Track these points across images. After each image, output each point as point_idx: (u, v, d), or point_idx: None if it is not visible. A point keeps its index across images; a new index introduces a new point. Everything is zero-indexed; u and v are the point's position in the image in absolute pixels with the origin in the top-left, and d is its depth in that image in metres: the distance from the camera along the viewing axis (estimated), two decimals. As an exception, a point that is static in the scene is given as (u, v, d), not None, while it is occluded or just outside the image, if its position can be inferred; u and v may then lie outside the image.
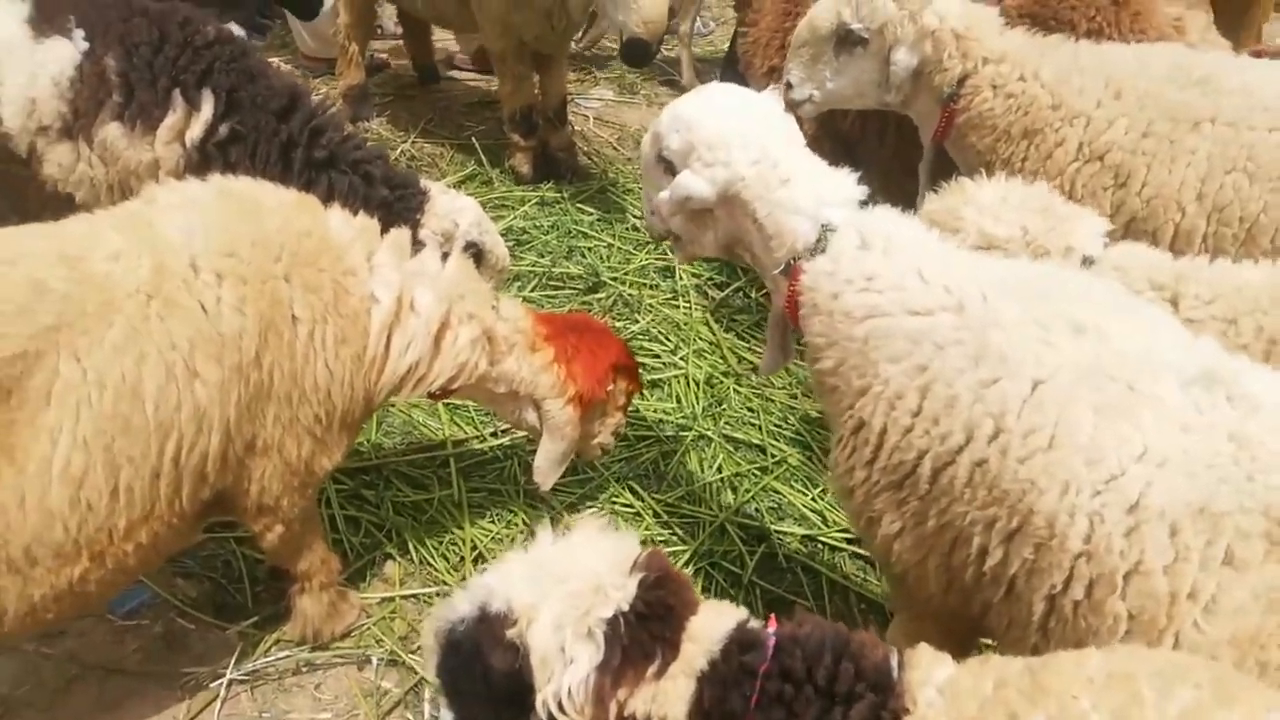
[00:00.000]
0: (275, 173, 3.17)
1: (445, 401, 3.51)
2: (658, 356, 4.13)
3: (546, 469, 2.97)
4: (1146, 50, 3.16)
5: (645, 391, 3.73)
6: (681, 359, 4.10)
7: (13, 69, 3.12)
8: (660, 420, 3.80)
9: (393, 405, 3.65)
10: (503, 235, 4.70)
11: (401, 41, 6.54)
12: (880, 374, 2.07)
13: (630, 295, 4.47)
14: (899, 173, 3.75)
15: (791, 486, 3.55)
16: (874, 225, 2.20)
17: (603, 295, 4.46)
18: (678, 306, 4.44)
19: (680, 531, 3.35)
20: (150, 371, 2.15)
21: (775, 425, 3.82)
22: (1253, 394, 1.79)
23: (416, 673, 2.82)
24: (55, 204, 3.25)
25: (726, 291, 4.56)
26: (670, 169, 2.43)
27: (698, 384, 3.97)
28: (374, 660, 2.86)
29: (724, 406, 3.89)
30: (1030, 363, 1.90)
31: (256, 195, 2.51)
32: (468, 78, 6.59)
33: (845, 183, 2.31)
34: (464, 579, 3.09)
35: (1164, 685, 1.35)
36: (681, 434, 3.73)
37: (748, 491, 3.51)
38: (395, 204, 3.29)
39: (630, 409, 3.24)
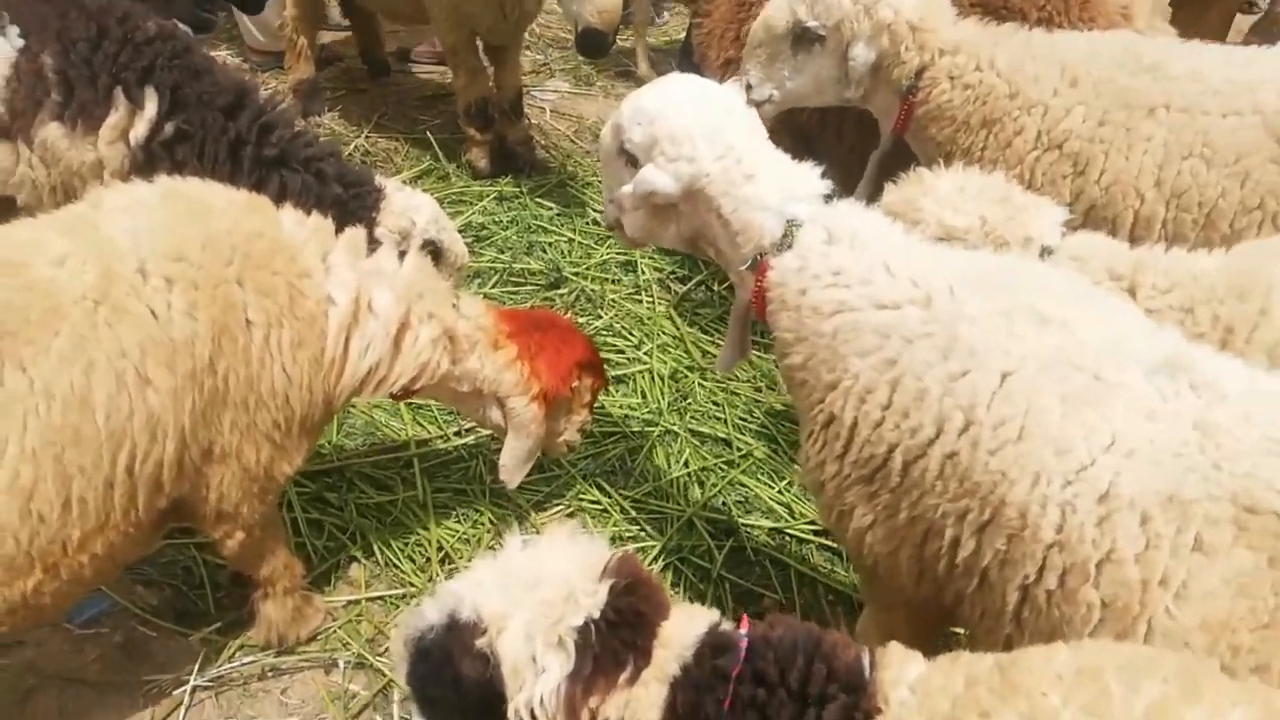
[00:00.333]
0: (224, 172, 3.09)
1: (408, 401, 3.46)
2: (622, 352, 4.10)
3: (512, 467, 2.94)
4: (1097, 38, 3.18)
5: (610, 387, 3.70)
6: (646, 354, 4.08)
7: (-54, 68, 3.01)
8: (626, 416, 3.78)
9: (354, 406, 3.59)
10: (461, 231, 4.64)
11: (351, 33, 6.41)
12: (850, 368, 2.07)
13: (592, 290, 4.43)
14: (857, 166, 3.75)
15: (758, 480, 3.55)
16: (839, 220, 2.19)
17: (565, 291, 4.42)
18: (640, 301, 4.41)
19: (648, 527, 3.33)
20: (100, 380, 2.10)
21: (741, 419, 3.82)
22: (1215, 382, 1.81)
23: (384, 675, 2.79)
24: (-2, 207, 3.15)
25: (689, 285, 4.55)
26: (633, 161, 2.40)
27: (662, 379, 3.95)
28: (341, 663, 2.83)
29: (689, 401, 3.88)
30: (998, 355, 1.91)
31: (206, 196, 2.45)
32: (423, 70, 6.49)
33: (809, 177, 2.30)
34: (430, 580, 3.06)
35: (1132, 680, 1.37)
36: (647, 429, 3.71)
37: (715, 486, 3.50)
38: (350, 202, 3.23)
39: (596, 405, 3.21)
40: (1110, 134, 2.92)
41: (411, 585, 3.06)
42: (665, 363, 4.03)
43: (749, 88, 3.32)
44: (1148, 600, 1.69)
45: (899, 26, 3.09)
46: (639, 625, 1.62)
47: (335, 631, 2.91)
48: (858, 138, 3.83)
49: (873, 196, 2.80)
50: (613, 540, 3.20)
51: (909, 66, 3.13)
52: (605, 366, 3.24)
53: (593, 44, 4.45)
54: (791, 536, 3.35)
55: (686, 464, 3.59)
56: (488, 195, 5.06)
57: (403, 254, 2.76)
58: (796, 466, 3.40)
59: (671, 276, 4.61)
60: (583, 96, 6.37)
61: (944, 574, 2.02)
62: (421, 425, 3.66)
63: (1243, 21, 6.54)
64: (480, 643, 1.59)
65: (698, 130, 2.28)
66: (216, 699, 2.72)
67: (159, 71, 3.09)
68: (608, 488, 3.46)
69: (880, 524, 2.11)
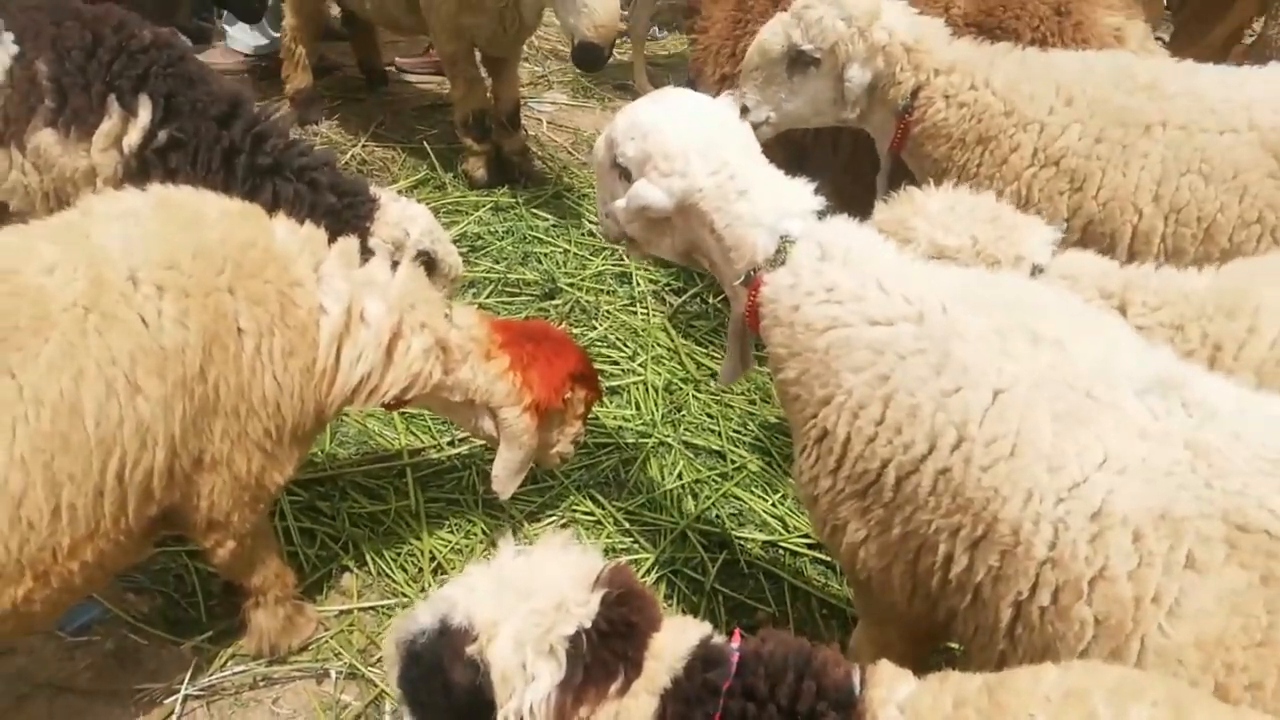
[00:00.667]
0: (218, 180, 3.08)
1: (401, 411, 3.44)
2: (616, 363, 4.10)
3: (505, 478, 2.93)
4: (1091, 57, 3.21)
5: (604, 398, 3.70)
6: (640, 365, 4.07)
7: (-59, 74, 3.00)
8: (620, 427, 3.77)
9: (347, 415, 3.58)
10: (457, 241, 4.64)
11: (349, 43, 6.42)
12: (843, 384, 2.06)
13: (587, 301, 4.43)
14: (852, 181, 3.76)
15: (752, 492, 3.54)
16: (833, 236, 2.19)
17: (559, 301, 4.42)
18: (635, 313, 4.41)
19: (642, 539, 3.32)
20: (90, 387, 2.09)
21: (735, 431, 3.81)
22: (1206, 401, 1.81)
23: (376, 685, 2.77)
24: (-10, 213, 3.15)
25: (684, 297, 4.54)
26: (626, 175, 2.40)
27: (657, 390, 3.94)
28: (333, 673, 2.81)
29: (683, 413, 3.87)
30: (991, 372, 1.91)
31: (198, 205, 2.44)
32: (421, 80, 6.50)
33: (803, 193, 2.30)
34: (423, 590, 3.05)
35: (1120, 704, 1.37)
36: (641, 441, 3.70)
37: (708, 498, 3.49)
38: (344, 211, 3.22)
39: (589, 417, 3.20)
40: (1107, 151, 2.95)
41: (404, 595, 3.04)
42: (659, 374, 4.03)
43: (745, 110, 3.32)
44: (1140, 618, 1.68)
45: (893, 48, 3.11)
46: (630, 636, 1.61)
47: (327, 641, 2.89)
48: (853, 153, 3.84)
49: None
50: (606, 552, 3.19)
51: (904, 86, 3.15)
52: (599, 378, 3.23)
53: (589, 57, 4.47)
54: (785, 550, 3.34)
55: (680, 476, 3.58)
56: (484, 205, 5.07)
57: (396, 264, 2.75)
58: (790, 480, 3.39)
59: (666, 288, 4.61)
60: (580, 109, 6.39)
61: (937, 590, 2.01)
62: (415, 435, 3.65)
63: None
64: (471, 650, 1.60)
65: (691, 146, 2.29)
66: (208, 708, 2.70)
67: (153, 79, 3.09)
68: (601, 499, 3.45)
69: (873, 539, 2.10)
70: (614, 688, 1.59)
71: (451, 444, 3.63)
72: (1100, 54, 3.28)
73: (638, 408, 3.87)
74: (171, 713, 2.65)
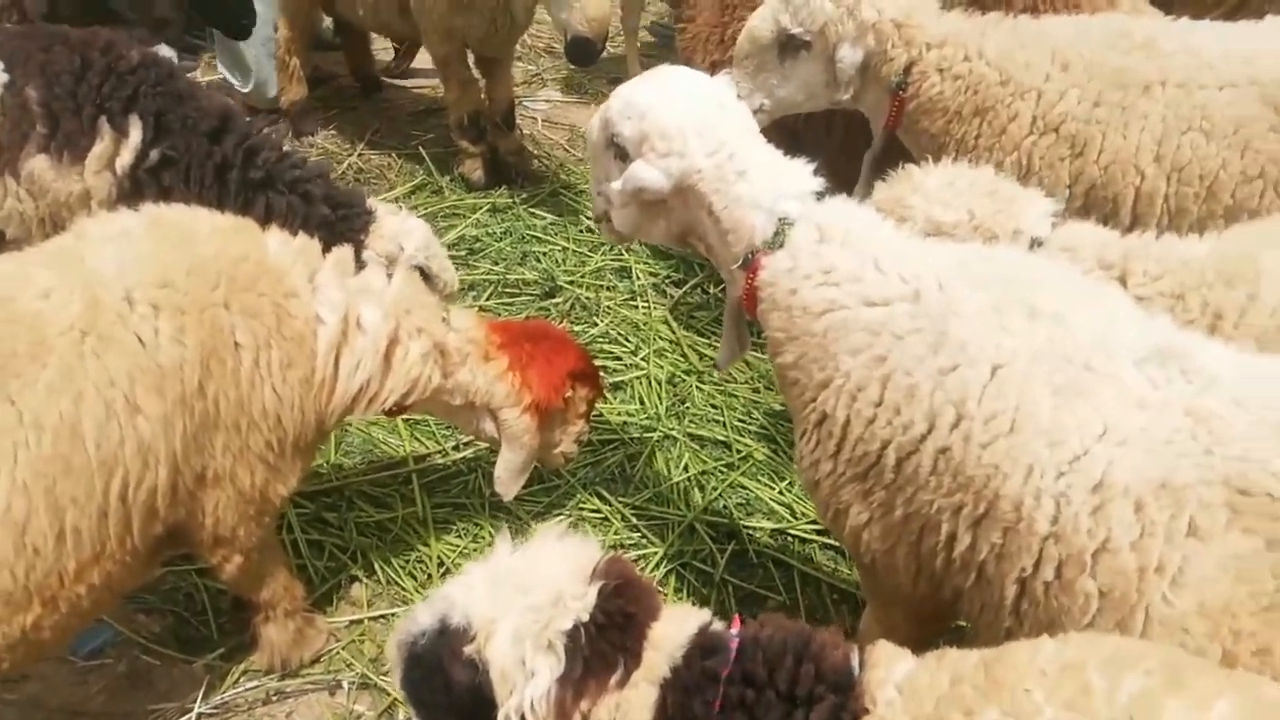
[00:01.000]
0: (211, 196, 3.10)
1: (404, 417, 3.45)
2: (619, 358, 4.09)
3: (507, 479, 2.93)
4: (1084, 21, 3.18)
5: (608, 394, 3.69)
6: (642, 359, 4.06)
7: (-69, 106, 3.02)
8: (624, 422, 3.76)
9: (350, 424, 3.59)
10: (455, 245, 4.67)
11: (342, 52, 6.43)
12: (841, 366, 2.05)
13: (588, 298, 4.43)
14: (847, 162, 3.74)
15: (759, 481, 3.53)
16: (831, 218, 2.17)
17: (560, 300, 4.42)
18: (636, 307, 4.40)
19: (649, 534, 3.32)
20: (89, 409, 2.10)
21: (740, 421, 3.80)
22: (1205, 368, 1.79)
23: (389, 694, 2.77)
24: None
25: (684, 289, 4.53)
26: (621, 155, 2.35)
27: (660, 384, 3.93)
28: (345, 685, 2.82)
29: (687, 405, 3.86)
30: (988, 348, 1.90)
31: (190, 222, 2.45)
32: (415, 85, 6.50)
33: (802, 174, 2.27)
34: (433, 597, 3.04)
35: (1114, 673, 1.36)
36: (646, 435, 3.70)
37: (715, 489, 3.49)
38: (338, 224, 3.21)
39: (593, 414, 3.20)
40: (1106, 114, 2.92)
41: (414, 603, 3.04)
42: (662, 367, 4.02)
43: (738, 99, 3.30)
44: (1144, 588, 1.67)
45: (883, 25, 3.08)
46: (628, 627, 1.62)
47: (339, 652, 2.90)
48: (847, 133, 3.82)
49: (867, 197, 2.79)
50: (614, 548, 3.19)
51: (897, 63, 3.12)
52: (602, 374, 3.22)
53: (582, 52, 4.45)
54: (794, 537, 3.33)
55: (686, 468, 3.57)
56: (481, 207, 5.07)
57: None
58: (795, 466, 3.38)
59: (666, 281, 4.60)
60: (575, 105, 6.38)
61: (941, 570, 2.00)
62: (419, 440, 3.66)
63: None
64: (469, 649, 1.61)
65: (689, 125, 2.25)
66: (222, 725, 2.71)
67: (143, 99, 3.10)
68: (607, 495, 3.45)
69: (876, 521, 2.09)
70: (614, 680, 1.59)
71: (456, 448, 3.63)
72: (1095, 16, 3.26)
73: (641, 402, 3.87)
74: (186, 731, 2.66)
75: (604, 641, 1.59)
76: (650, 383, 3.94)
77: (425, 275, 3.28)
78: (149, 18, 3.81)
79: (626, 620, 1.61)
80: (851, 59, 3.13)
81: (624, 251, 4.69)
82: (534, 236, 4.85)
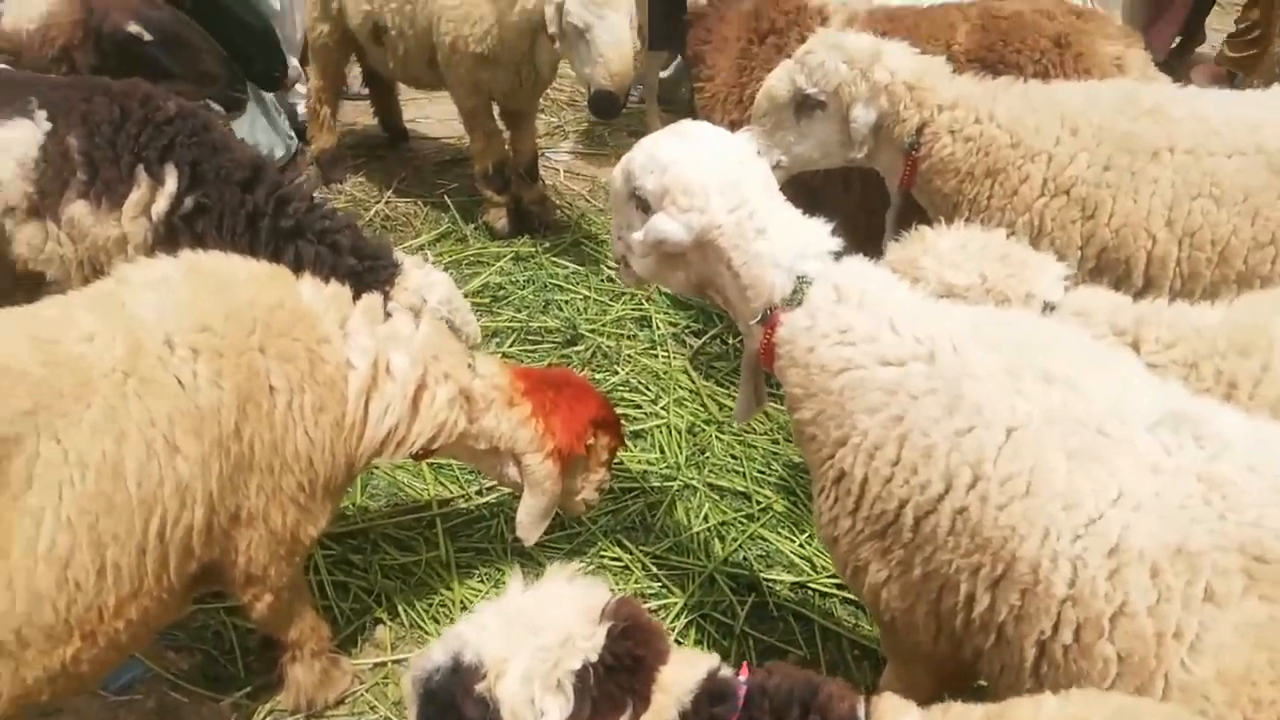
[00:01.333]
0: (242, 244, 3.17)
1: (429, 461, 3.50)
2: (639, 407, 4.14)
3: (529, 524, 2.96)
4: (1095, 86, 3.24)
5: (628, 442, 3.73)
6: (663, 408, 4.11)
7: (-24, 153, 3.12)
8: (645, 471, 3.80)
9: (376, 467, 3.64)
10: (479, 292, 4.76)
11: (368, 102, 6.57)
12: (858, 425, 2.09)
13: (609, 347, 4.49)
14: (865, 219, 3.80)
15: (779, 533, 3.55)
16: (848, 278, 2.22)
17: (581, 348, 4.48)
18: (656, 356, 4.46)
19: (670, 584, 3.34)
20: (131, 449, 2.16)
21: (759, 472, 3.83)
22: (1218, 434, 1.82)
23: (410, 738, 2.78)
24: (28, 282, 3.24)
25: (704, 339, 4.59)
26: (644, 206, 2.40)
27: (680, 433, 3.97)
28: (368, 727, 2.83)
29: (707, 455, 3.90)
30: (1003, 411, 1.93)
31: (227, 269, 2.53)
32: (442, 136, 6.64)
33: (821, 234, 2.31)
34: (454, 642, 3.06)
35: None
36: (666, 484, 3.73)
37: (735, 540, 3.51)
38: (364, 275, 3.25)
39: (614, 462, 3.24)
40: (1116, 178, 2.97)
41: (435, 646, 3.07)
42: (682, 417, 4.07)
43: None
44: (1163, 654, 1.69)
45: (896, 87, 3.17)
46: (637, 670, 1.63)
47: (363, 695, 2.92)
48: (864, 190, 3.89)
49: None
50: (635, 596, 3.20)
51: (909, 124, 3.20)
52: (622, 422, 3.26)
53: (605, 105, 4.56)
54: (814, 590, 3.34)
55: (706, 519, 3.60)
56: (505, 255, 5.16)
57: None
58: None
59: (686, 330, 4.66)
60: (596, 157, 6.49)
61: (961, 629, 2.02)
62: (444, 484, 3.70)
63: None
64: (480, 687, 1.62)
65: (711, 182, 2.29)
66: (247, 764, 2.73)
67: (178, 149, 3.19)
68: (628, 544, 3.48)
69: (895, 580, 2.11)
70: None
71: (479, 493, 3.67)
72: (1104, 82, 3.32)
73: (662, 451, 3.90)
74: (212, 769, 2.69)
75: (612, 683, 1.61)
76: (670, 432, 3.98)
77: (449, 326, 3.34)
78: (194, 71, 3.92)
79: (635, 663, 1.63)
80: (865, 119, 3.21)
81: (644, 301, 4.76)
82: (556, 285, 4.93)
